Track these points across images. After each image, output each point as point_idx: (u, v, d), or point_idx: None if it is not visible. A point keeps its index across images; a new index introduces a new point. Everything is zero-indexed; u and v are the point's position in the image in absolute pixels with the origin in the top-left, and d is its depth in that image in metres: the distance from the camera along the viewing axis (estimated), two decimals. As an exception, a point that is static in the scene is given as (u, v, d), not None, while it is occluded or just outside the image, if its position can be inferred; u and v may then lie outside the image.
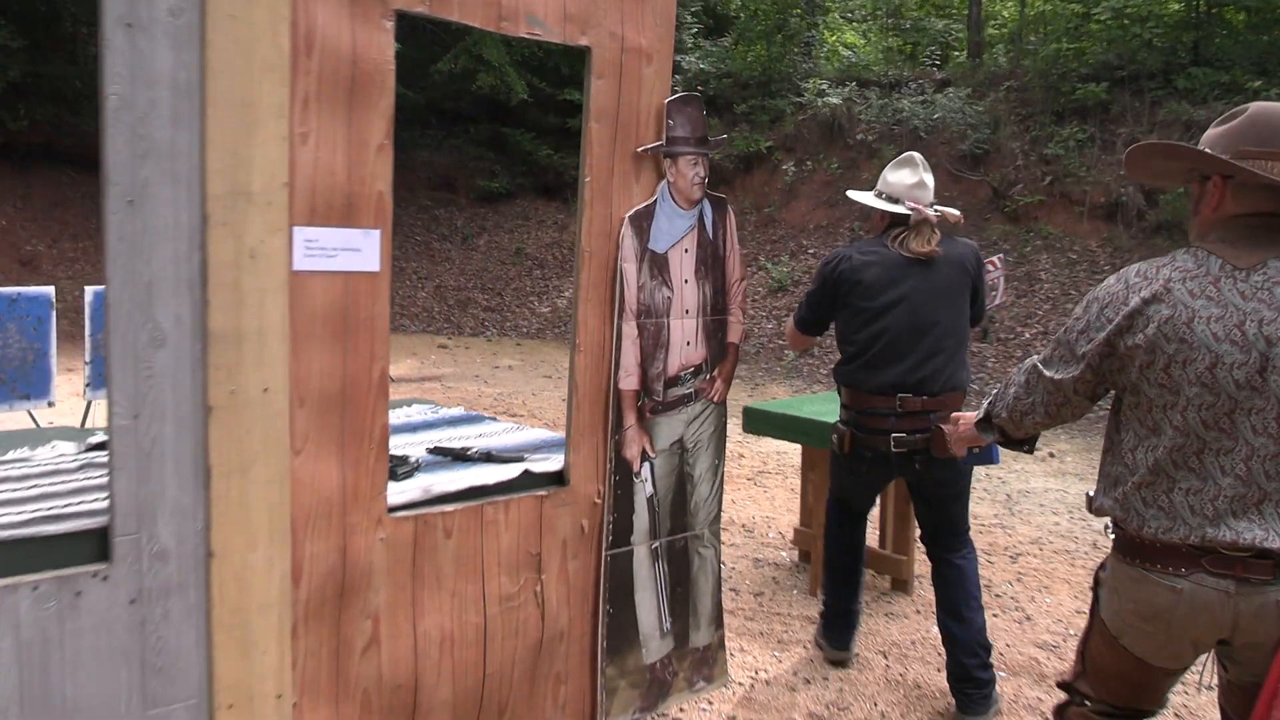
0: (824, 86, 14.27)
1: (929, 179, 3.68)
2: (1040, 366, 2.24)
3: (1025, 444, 2.43)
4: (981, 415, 2.49)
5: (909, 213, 3.57)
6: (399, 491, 2.81)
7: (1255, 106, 2.01)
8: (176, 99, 2.30)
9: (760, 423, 4.71)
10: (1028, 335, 10.50)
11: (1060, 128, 12.19)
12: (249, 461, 2.47)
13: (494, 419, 3.87)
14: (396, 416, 3.82)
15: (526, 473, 3.08)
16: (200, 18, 2.31)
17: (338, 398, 2.63)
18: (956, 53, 15.52)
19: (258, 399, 2.47)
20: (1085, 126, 12.05)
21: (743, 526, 5.66)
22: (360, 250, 2.63)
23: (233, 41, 2.34)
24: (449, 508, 2.87)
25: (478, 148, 18.17)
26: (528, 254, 15.97)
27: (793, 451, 7.22)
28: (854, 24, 17.40)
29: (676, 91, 3.30)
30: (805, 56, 15.76)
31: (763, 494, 6.41)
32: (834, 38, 17.40)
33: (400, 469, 2.93)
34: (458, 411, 3.98)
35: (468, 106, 17.89)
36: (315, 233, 2.54)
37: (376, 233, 2.65)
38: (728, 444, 6.68)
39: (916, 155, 3.73)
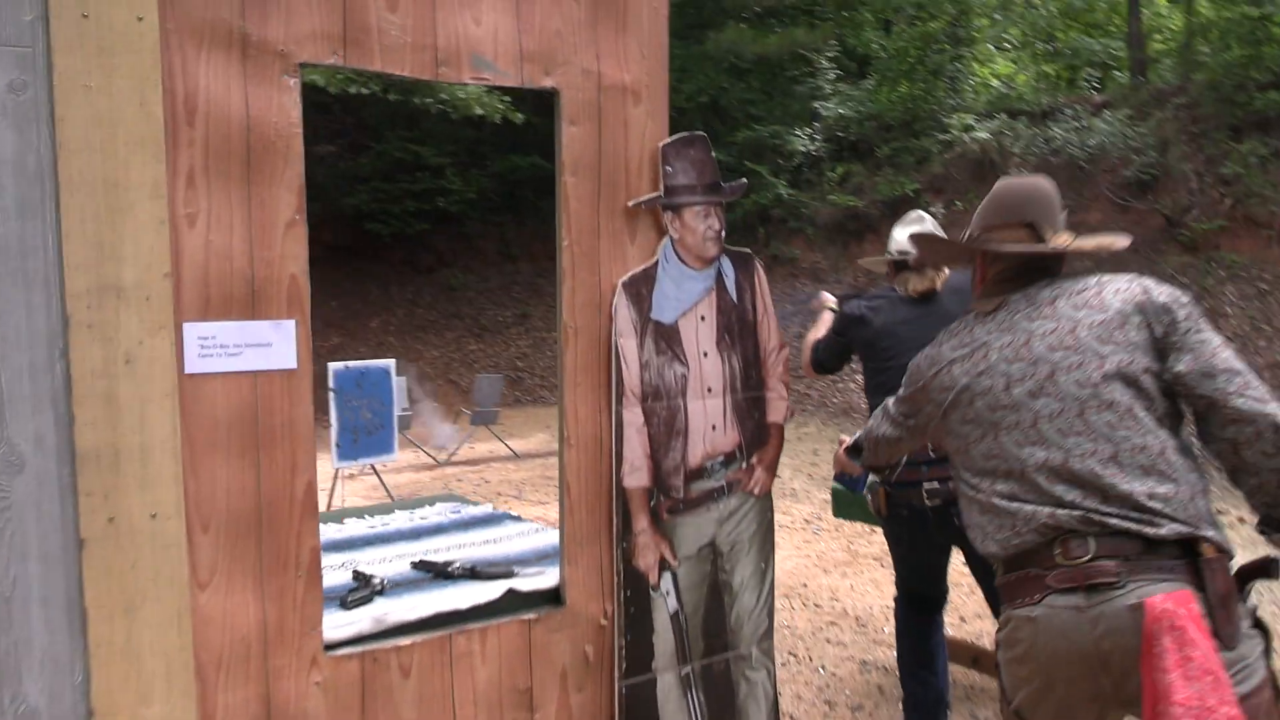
0: (970, 122, 13.42)
1: (937, 231, 3.52)
2: (889, 404, 2.42)
3: (888, 469, 2.67)
4: (852, 443, 2.62)
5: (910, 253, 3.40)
6: (345, 624, 2.38)
7: (999, 184, 2.28)
8: (23, 186, 1.99)
9: (849, 506, 4.08)
10: (1212, 377, 9.33)
11: (1238, 144, 10.95)
12: (137, 600, 2.10)
13: (518, 519, 3.43)
14: (411, 519, 3.43)
15: (511, 592, 2.61)
16: (48, 92, 1.99)
17: (252, 519, 2.24)
18: (1118, 73, 14.33)
19: (144, 527, 2.11)
20: (1268, 140, 10.77)
21: (856, 619, 4.99)
22: (271, 345, 2.25)
23: (90, 116, 2.02)
24: (406, 640, 2.42)
25: (619, 213, 18.02)
26: (671, 316, 15.60)
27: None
28: (1006, 53, 16.41)
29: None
30: (951, 92, 14.92)
31: (889, 577, 5.70)
32: (985, 70, 16.47)
33: (353, 595, 2.51)
34: (483, 511, 3.55)
35: (607, 173, 17.79)
36: (212, 328, 2.18)
37: (291, 323, 2.27)
38: (851, 519, 5.97)
39: (923, 212, 3.68)
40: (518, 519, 3.42)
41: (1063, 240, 2.14)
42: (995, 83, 15.39)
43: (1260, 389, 1.87)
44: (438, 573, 2.74)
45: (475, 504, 3.68)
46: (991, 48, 16.64)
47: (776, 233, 15.13)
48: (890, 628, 4.85)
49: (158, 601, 2.12)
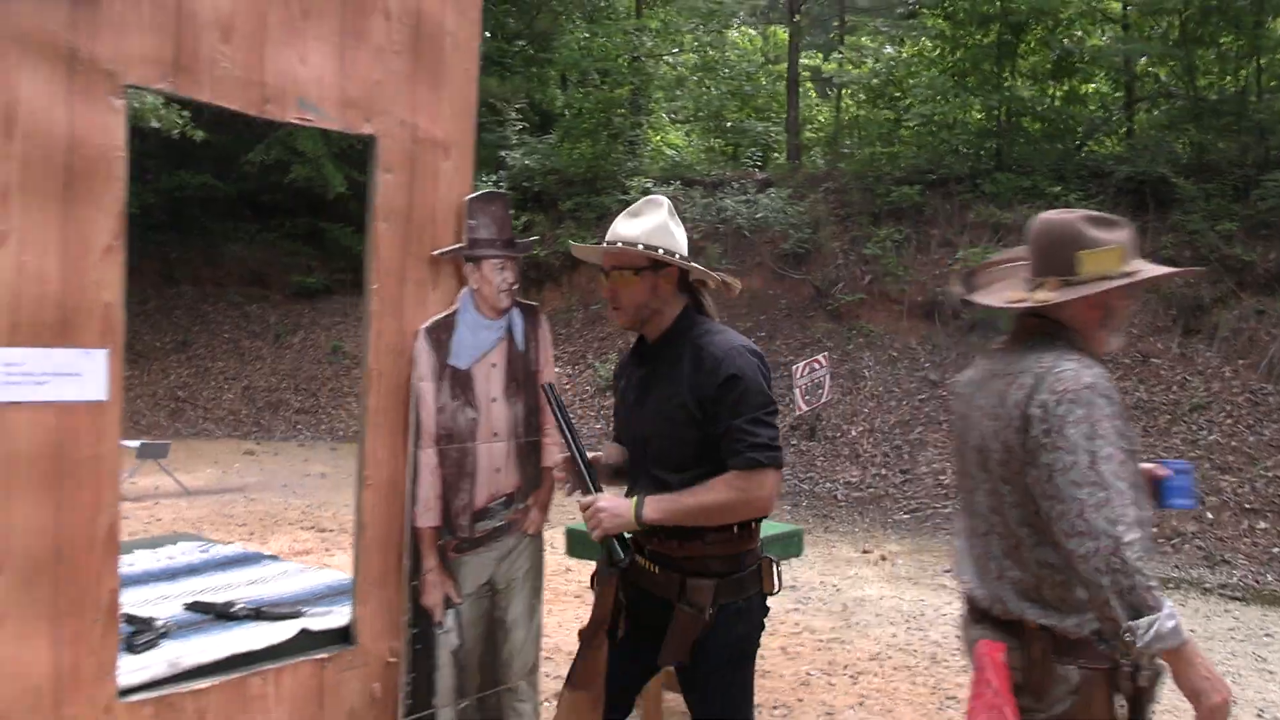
0: (649, 185, 14.32)
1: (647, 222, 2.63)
2: None
3: None
4: None
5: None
6: (138, 668, 2.28)
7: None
8: None
9: (586, 545, 4.31)
10: (854, 433, 10.52)
11: (878, 228, 12.50)
12: (-86, 650, 1.91)
13: (274, 558, 3.35)
14: (157, 559, 3.25)
15: (304, 632, 2.59)
16: None
17: (49, 560, 2.10)
18: (776, 154, 15.88)
19: (-73, 568, 1.93)
20: (901, 228, 12.40)
21: (567, 654, 5.20)
22: (80, 375, 2.14)
23: (-102, 120, 1.86)
24: (202, 683, 2.34)
25: (293, 242, 17.41)
26: (346, 352, 15.23)
27: (580, 565, 6.81)
28: (678, 124, 17.65)
29: (485, 188, 2.95)
30: (630, 155, 15.83)
31: (550, 617, 5.98)
32: (658, 137, 17.60)
33: (140, 638, 2.39)
34: (233, 550, 3.42)
35: (283, 199, 17.17)
36: (16, 354, 2.05)
37: (103, 353, 2.17)
38: (555, 556, 6.18)
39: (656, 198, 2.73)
40: (275, 559, 3.34)
41: (1000, 296, 2.27)
42: (669, 151, 16.50)
43: (1086, 519, 1.96)
44: (219, 614, 2.65)
45: (220, 543, 3.53)
46: (666, 117, 17.81)
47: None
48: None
49: (-61, 649, 1.95)
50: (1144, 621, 1.93)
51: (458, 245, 2.85)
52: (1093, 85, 14.49)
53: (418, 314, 2.77)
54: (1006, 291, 2.26)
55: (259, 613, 2.66)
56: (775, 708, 4.56)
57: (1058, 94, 14.39)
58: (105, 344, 2.17)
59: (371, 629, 2.70)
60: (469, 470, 2.92)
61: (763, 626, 2.62)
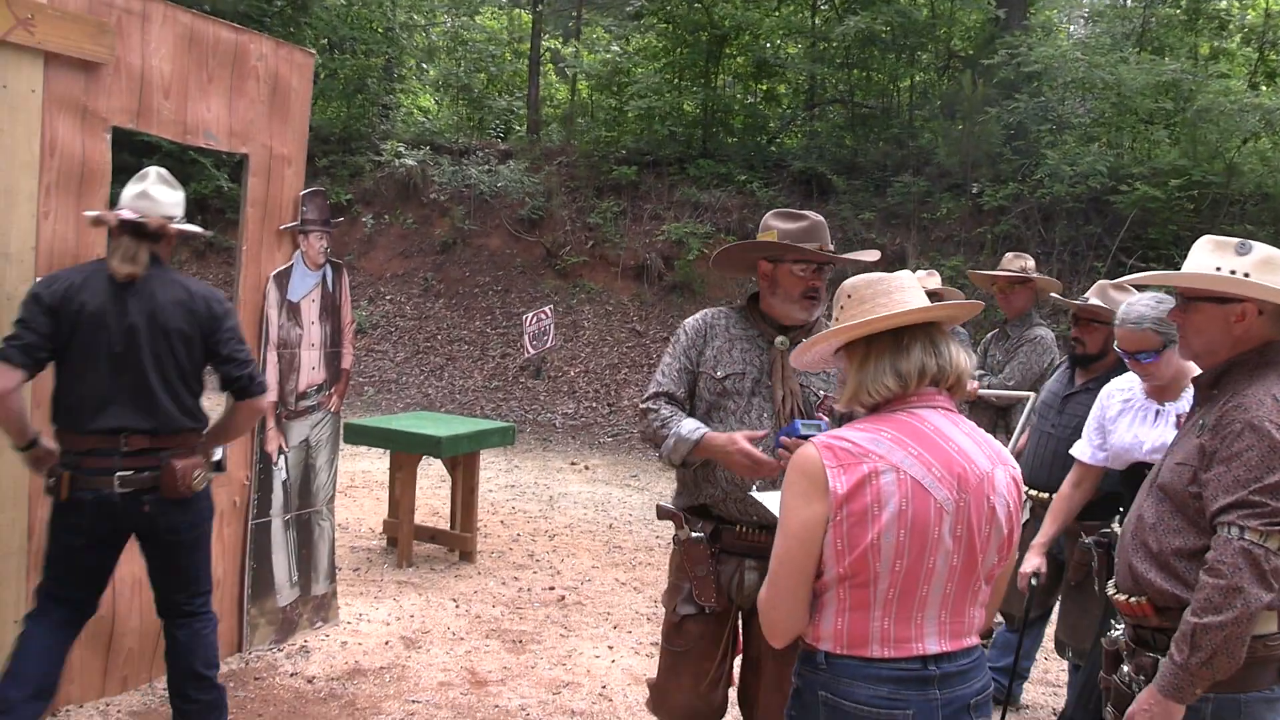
0: (401, 148, 15.68)
1: (159, 191, 3.28)
2: None
3: None
4: None
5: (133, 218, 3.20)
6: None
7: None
8: (-39, 186, 3.26)
9: (359, 435, 6.00)
10: (573, 373, 12.54)
11: (600, 200, 14.53)
12: (0, 446, 3.42)
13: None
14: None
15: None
16: (-20, 131, 3.29)
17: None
18: (518, 128, 17.59)
19: (8, 400, 3.43)
20: (619, 201, 14.49)
21: (340, 526, 6.87)
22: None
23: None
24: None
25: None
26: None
27: (375, 470, 8.48)
28: (428, 91, 18.97)
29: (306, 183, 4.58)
30: (384, 119, 17.08)
31: (353, 503, 7.62)
32: (409, 101, 18.88)
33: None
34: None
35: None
36: (53, 282, 3.55)
37: (96, 283, 3.69)
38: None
39: (153, 170, 3.34)
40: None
41: None
42: (419, 117, 17.84)
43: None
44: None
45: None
46: (417, 82, 19.10)
47: (214, 221, 16.07)
48: (364, 529, 6.79)
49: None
50: (662, 445, 3.32)
51: (294, 223, 4.47)
52: (785, 87, 17.11)
53: (269, 265, 4.39)
54: None
55: (164, 449, 4.22)
56: (493, 553, 6.43)
57: (761, 91, 16.93)
58: (97, 278, 3.69)
59: (235, 462, 4.31)
60: (296, 366, 4.57)
61: None
